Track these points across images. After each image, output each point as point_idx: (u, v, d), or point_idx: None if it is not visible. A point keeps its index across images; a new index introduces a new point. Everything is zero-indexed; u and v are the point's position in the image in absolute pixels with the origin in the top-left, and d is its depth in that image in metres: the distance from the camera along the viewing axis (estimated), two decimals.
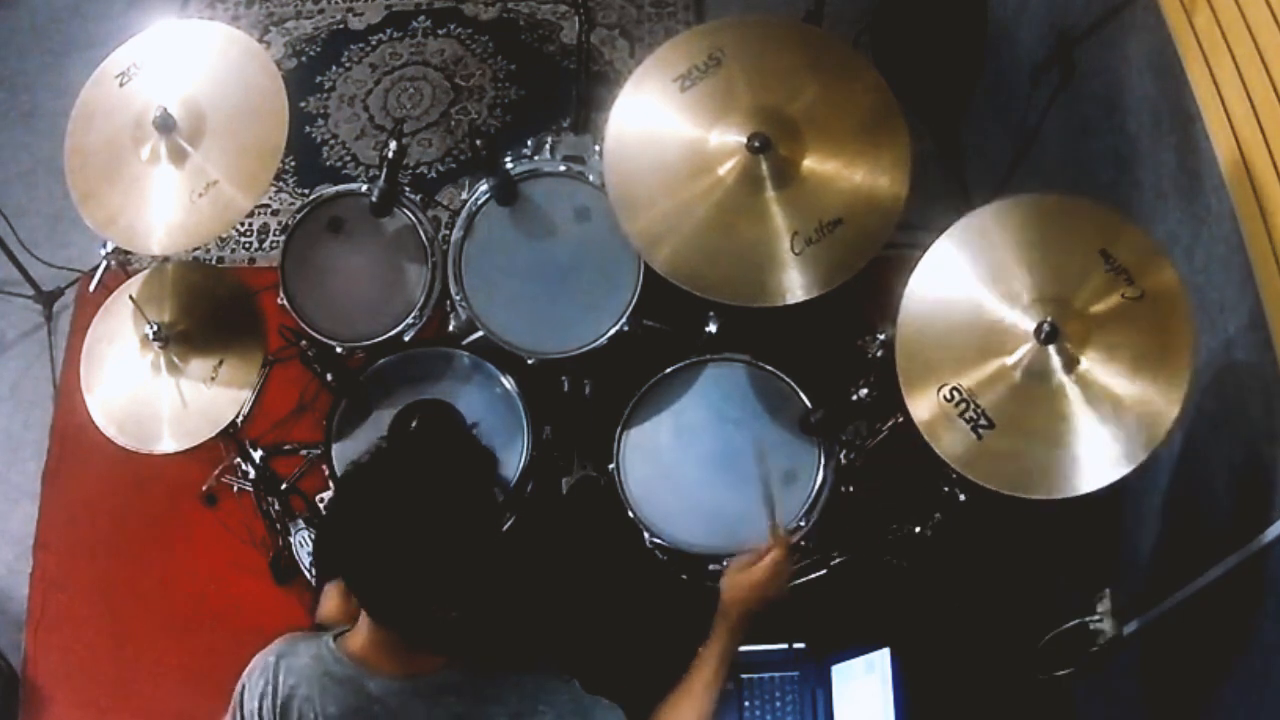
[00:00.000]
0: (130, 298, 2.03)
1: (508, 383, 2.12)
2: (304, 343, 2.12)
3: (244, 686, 1.39)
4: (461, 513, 1.26)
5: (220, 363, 2.00)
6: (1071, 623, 1.82)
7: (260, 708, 1.36)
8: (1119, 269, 1.56)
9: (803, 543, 1.94)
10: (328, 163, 3.23)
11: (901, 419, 1.78)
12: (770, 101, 1.79)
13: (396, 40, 3.44)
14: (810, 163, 1.78)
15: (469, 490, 1.29)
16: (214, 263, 3.09)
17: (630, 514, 1.99)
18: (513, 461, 2.06)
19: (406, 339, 2.15)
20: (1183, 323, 1.54)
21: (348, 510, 1.30)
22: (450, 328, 2.27)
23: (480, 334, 2.11)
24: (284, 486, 2.39)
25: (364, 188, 2.15)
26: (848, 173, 1.76)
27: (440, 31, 3.44)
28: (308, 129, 3.27)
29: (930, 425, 1.59)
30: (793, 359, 2.06)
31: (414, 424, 1.97)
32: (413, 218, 2.15)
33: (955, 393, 1.59)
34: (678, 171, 1.79)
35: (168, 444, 1.98)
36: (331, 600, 1.67)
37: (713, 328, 2.14)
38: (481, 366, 2.14)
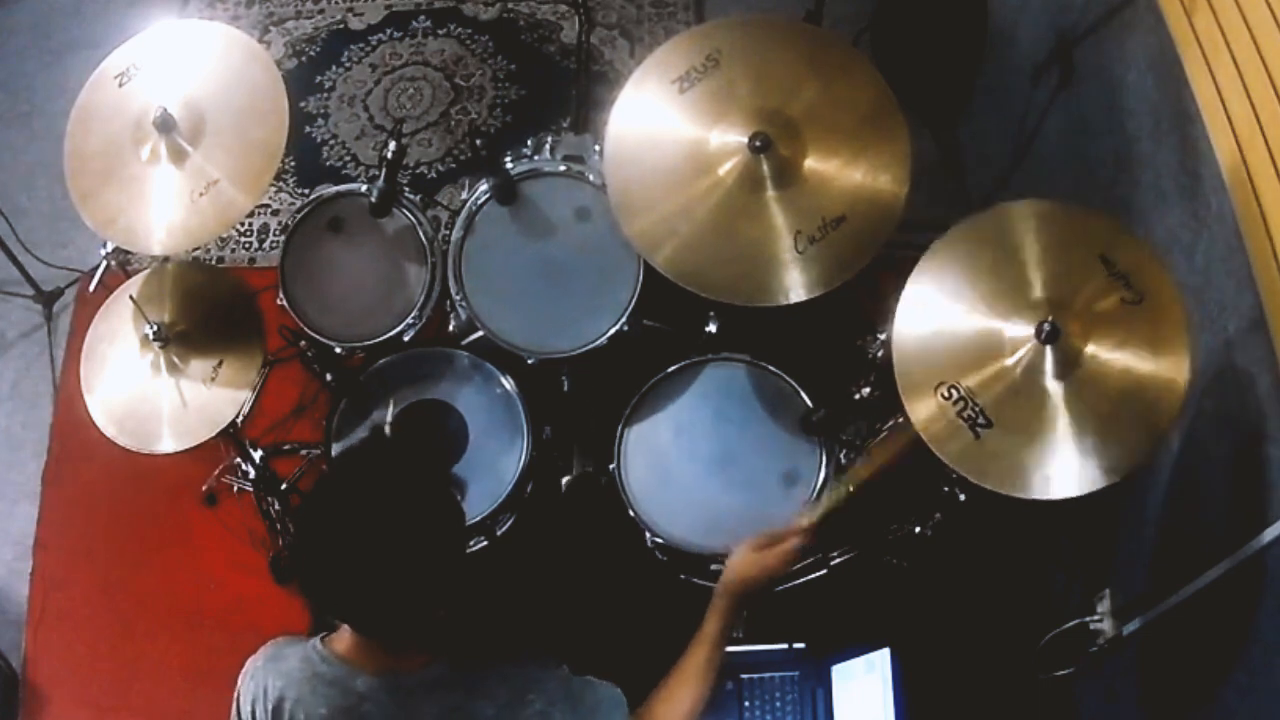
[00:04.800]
0: (130, 298, 2.03)
1: (508, 383, 2.12)
2: (304, 343, 2.12)
3: (239, 693, 1.40)
4: (413, 524, 1.24)
5: (220, 363, 2.00)
6: (1071, 623, 1.82)
7: (254, 712, 1.36)
8: (1118, 274, 1.56)
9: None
10: (328, 163, 3.23)
11: (901, 419, 1.78)
12: (770, 101, 1.79)
13: (396, 40, 3.44)
14: (811, 162, 1.77)
15: (417, 501, 1.26)
16: (214, 263, 3.08)
17: (631, 513, 1.99)
18: (512, 462, 2.07)
19: (406, 339, 2.15)
20: (1180, 324, 1.54)
21: (305, 542, 1.29)
22: (450, 328, 2.27)
23: (480, 334, 2.11)
24: (284, 486, 2.39)
25: (364, 188, 2.15)
26: (849, 171, 1.76)
27: (440, 31, 3.44)
28: (308, 129, 3.27)
29: (928, 424, 1.58)
30: (793, 359, 2.06)
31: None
32: (412, 218, 2.15)
33: (953, 391, 1.58)
34: (678, 172, 1.79)
35: (168, 444, 1.98)
36: None
37: (713, 327, 2.14)
38: (481, 366, 2.14)
